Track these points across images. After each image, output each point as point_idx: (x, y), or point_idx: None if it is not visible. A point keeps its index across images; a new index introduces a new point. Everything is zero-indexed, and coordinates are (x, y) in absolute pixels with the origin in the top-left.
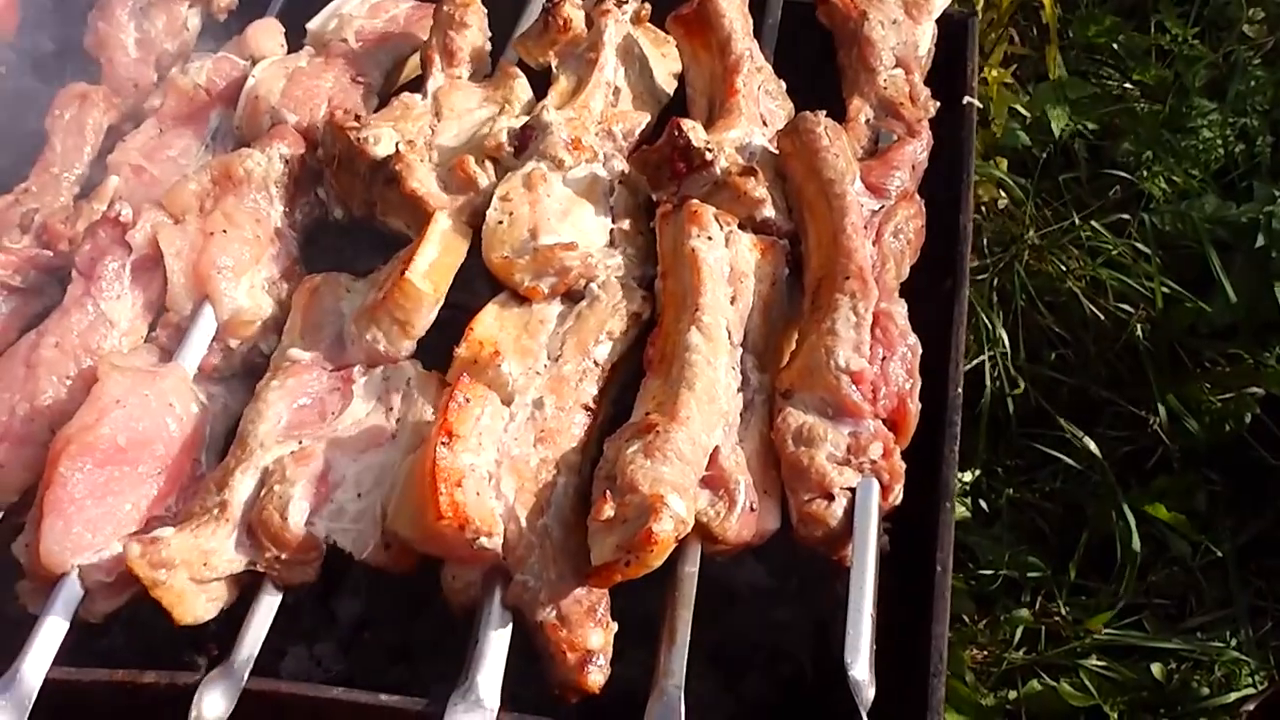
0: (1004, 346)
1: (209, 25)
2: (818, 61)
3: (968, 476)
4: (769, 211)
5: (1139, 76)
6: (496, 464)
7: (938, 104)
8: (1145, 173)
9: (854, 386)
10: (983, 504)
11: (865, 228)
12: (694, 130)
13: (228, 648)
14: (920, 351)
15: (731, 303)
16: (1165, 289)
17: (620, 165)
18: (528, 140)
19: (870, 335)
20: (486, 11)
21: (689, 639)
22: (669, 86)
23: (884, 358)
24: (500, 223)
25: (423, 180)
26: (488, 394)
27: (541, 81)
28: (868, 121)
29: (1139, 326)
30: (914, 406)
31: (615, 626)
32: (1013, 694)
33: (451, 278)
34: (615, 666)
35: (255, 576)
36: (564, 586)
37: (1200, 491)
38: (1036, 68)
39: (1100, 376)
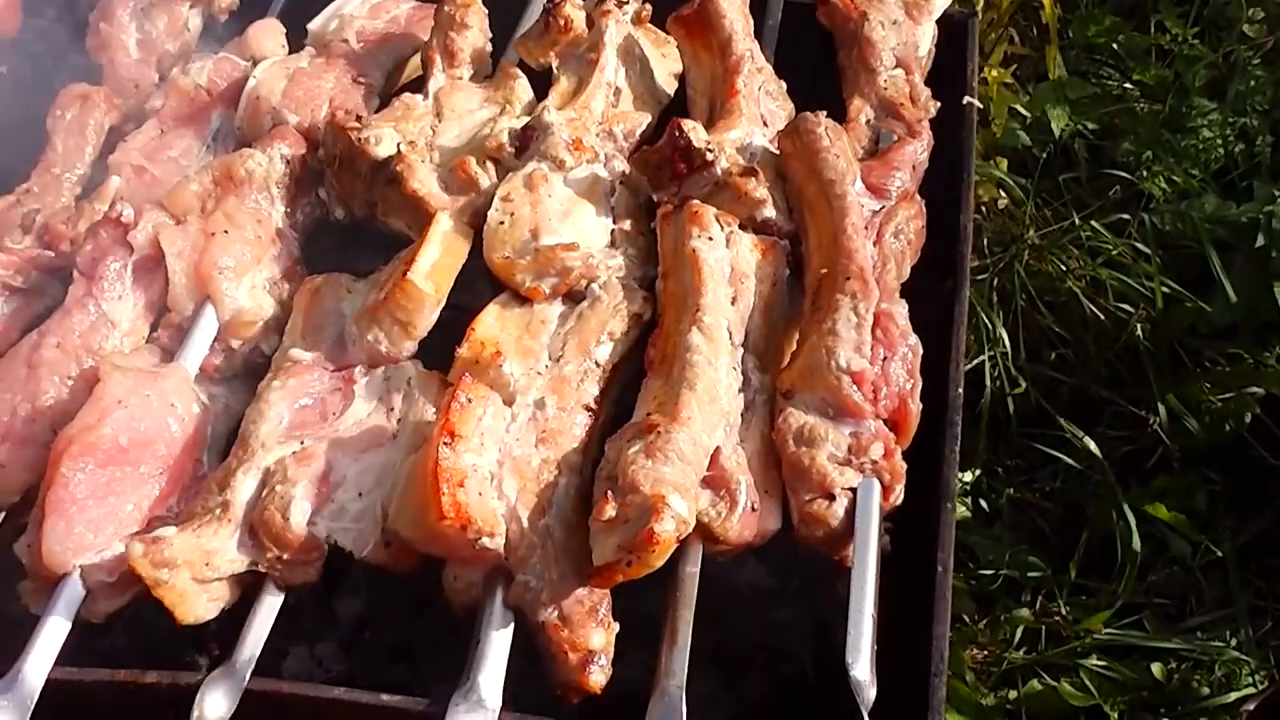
0: (1004, 346)
1: (210, 26)
2: (818, 62)
3: (968, 476)
4: (770, 212)
5: (1139, 76)
6: (498, 464)
7: (938, 104)
8: (1145, 172)
9: (855, 387)
10: (983, 504)
11: (866, 228)
12: (695, 131)
13: (229, 648)
14: (921, 352)
15: (732, 303)
16: (1165, 289)
17: (621, 166)
18: (529, 141)
19: (871, 336)
20: (487, 12)
21: (690, 639)
22: (670, 87)
23: (885, 358)
24: (501, 223)
25: (424, 181)
26: (490, 394)
27: (542, 82)
28: (868, 122)
29: (1139, 326)
30: (915, 407)
31: (617, 627)
32: (1013, 694)
33: (453, 278)
34: (617, 667)
35: (256, 576)
36: (566, 587)
37: (1200, 491)
38: (1036, 68)
39: (1100, 376)
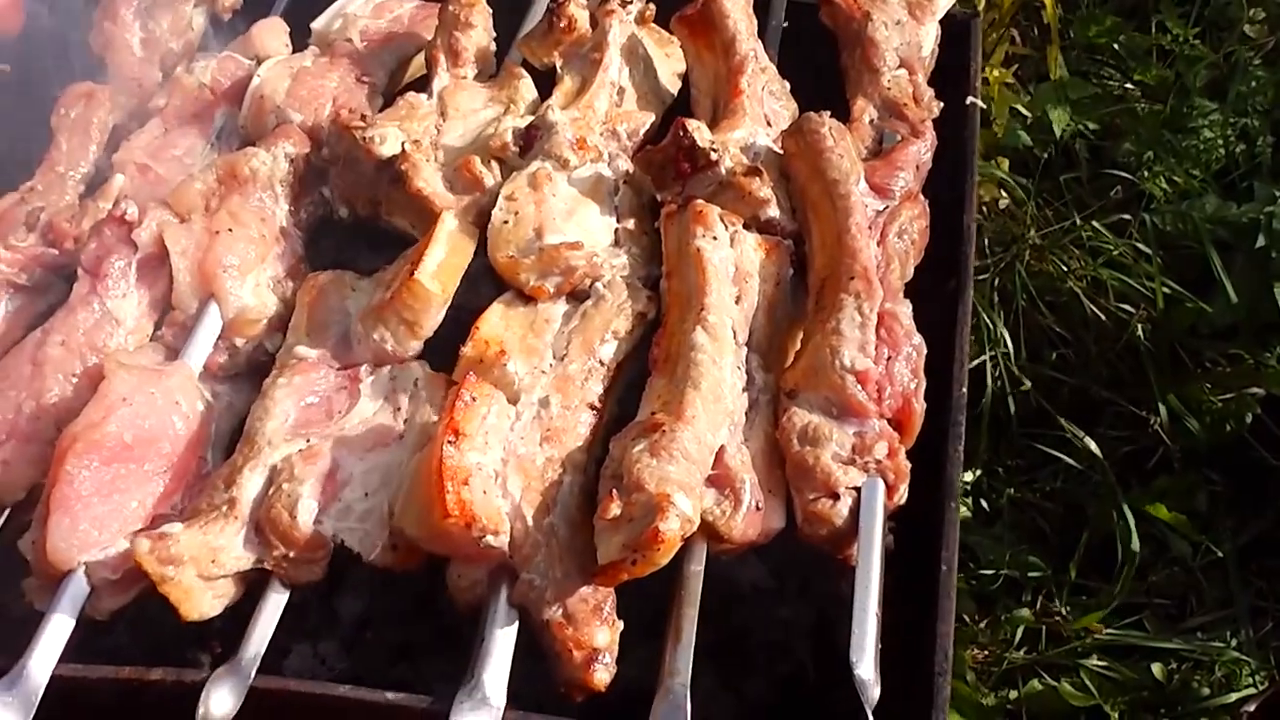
0: (1005, 346)
1: (214, 25)
2: (822, 62)
3: (969, 476)
4: (773, 211)
5: (1140, 77)
6: (503, 463)
7: (941, 104)
8: (1146, 173)
9: (859, 386)
10: (984, 504)
11: (870, 228)
12: (699, 130)
13: (232, 645)
14: (925, 351)
15: (736, 302)
16: (1166, 289)
17: (625, 165)
18: (533, 140)
19: (875, 335)
20: (491, 11)
21: (694, 637)
22: (673, 87)
23: (889, 358)
24: (506, 222)
25: (428, 180)
26: (494, 393)
27: (546, 81)
28: (872, 122)
29: (1140, 326)
30: (919, 406)
31: (621, 625)
32: (1013, 694)
33: (459, 278)
34: (621, 665)
35: (261, 574)
36: (570, 585)
37: (1201, 492)
38: (1038, 68)
39: (1101, 376)
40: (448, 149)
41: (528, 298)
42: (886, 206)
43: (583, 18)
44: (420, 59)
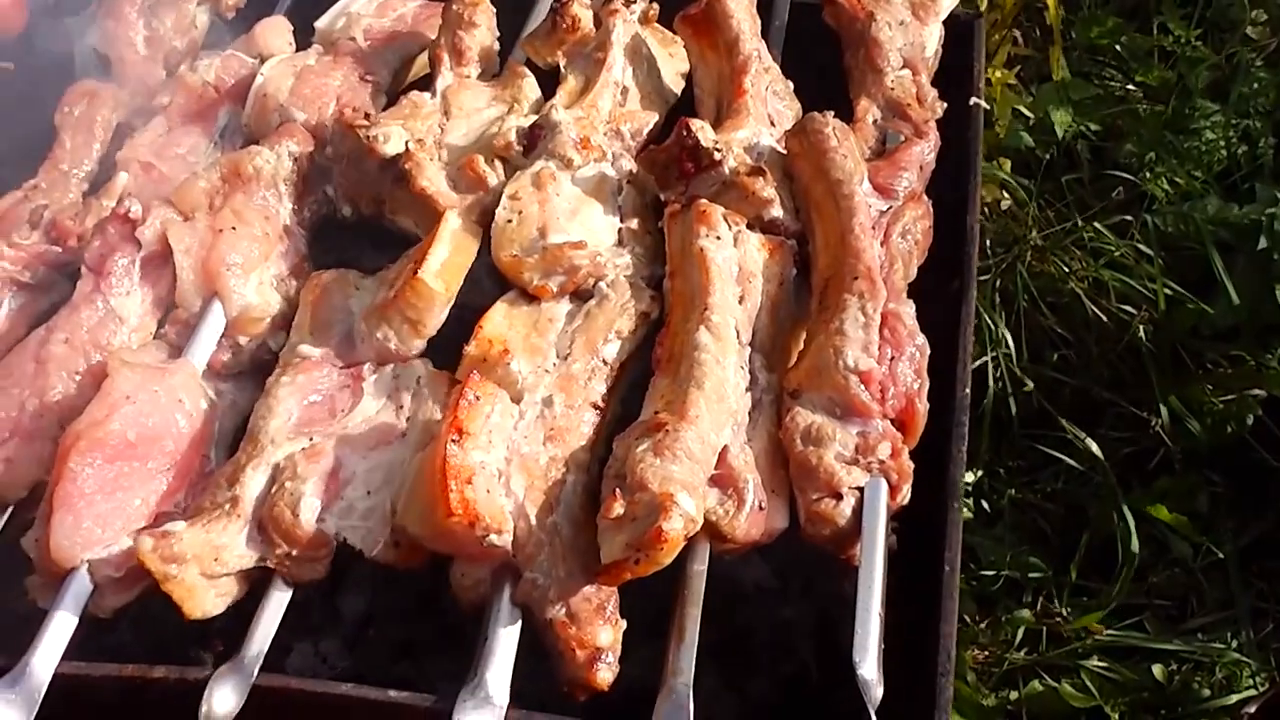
0: (1007, 347)
1: (217, 23)
2: (825, 62)
3: (970, 477)
4: (777, 211)
5: (1142, 78)
6: (506, 461)
7: (945, 105)
8: (1148, 174)
9: (862, 386)
10: (984, 504)
11: (873, 228)
12: (702, 130)
13: (234, 644)
14: (928, 352)
15: (740, 302)
16: (1167, 290)
17: (629, 165)
18: (536, 139)
19: (879, 335)
20: (495, 11)
21: (698, 637)
22: (677, 86)
23: (892, 358)
24: (509, 221)
25: (432, 179)
26: (497, 392)
27: (550, 81)
28: (875, 122)
29: (1141, 328)
30: (922, 406)
31: (624, 624)
32: (1014, 694)
33: (463, 277)
34: (624, 664)
35: (264, 572)
36: (573, 584)
37: (1202, 493)
38: (1040, 69)
39: (1102, 377)
40: (451, 148)
41: (531, 297)
42: (890, 207)
43: (586, 17)
44: (424, 58)
